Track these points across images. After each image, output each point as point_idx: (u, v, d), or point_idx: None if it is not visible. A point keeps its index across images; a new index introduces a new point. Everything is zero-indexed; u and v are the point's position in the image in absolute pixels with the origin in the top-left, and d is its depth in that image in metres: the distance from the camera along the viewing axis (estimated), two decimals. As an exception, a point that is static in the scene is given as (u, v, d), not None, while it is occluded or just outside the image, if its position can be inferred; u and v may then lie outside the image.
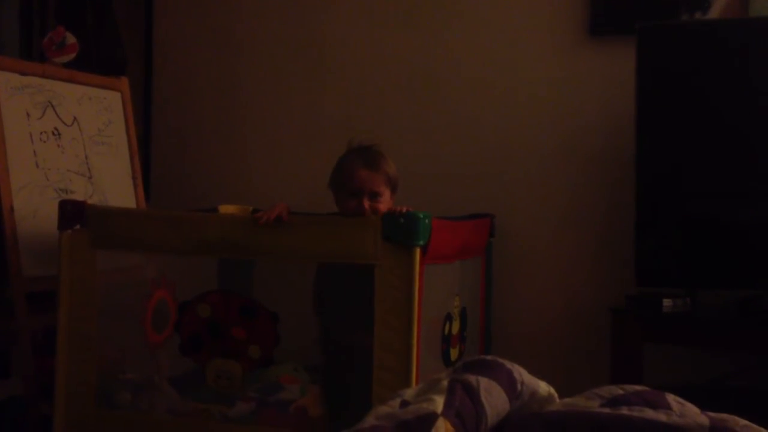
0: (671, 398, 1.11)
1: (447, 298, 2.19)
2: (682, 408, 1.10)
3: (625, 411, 1.05)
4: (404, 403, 1.06)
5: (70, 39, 2.54)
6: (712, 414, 1.13)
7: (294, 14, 3.01)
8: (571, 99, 2.67)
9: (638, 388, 1.13)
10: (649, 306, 2.20)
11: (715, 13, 2.50)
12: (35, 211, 2.34)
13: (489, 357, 1.12)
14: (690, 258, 2.26)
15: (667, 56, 2.30)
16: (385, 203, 2.09)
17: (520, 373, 1.10)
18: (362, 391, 1.89)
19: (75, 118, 2.55)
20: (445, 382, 1.04)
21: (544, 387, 1.13)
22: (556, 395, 1.15)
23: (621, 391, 1.11)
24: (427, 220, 1.89)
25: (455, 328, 2.22)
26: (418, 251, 1.88)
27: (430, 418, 0.95)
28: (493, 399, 1.02)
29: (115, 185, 2.65)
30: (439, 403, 0.98)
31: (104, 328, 2.16)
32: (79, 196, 2.44)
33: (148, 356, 2.33)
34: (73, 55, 2.55)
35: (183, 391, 2.24)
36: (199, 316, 2.15)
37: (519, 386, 1.08)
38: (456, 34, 2.81)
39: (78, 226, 2.13)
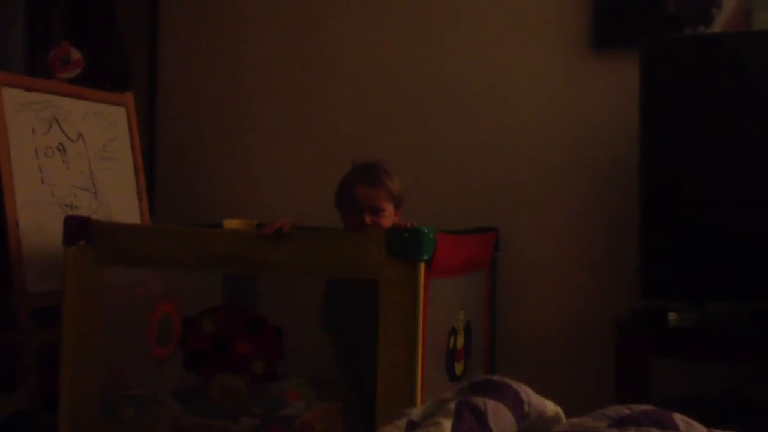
0: (678, 418, 1.11)
1: (452, 312, 2.19)
2: (689, 428, 1.09)
3: (632, 431, 1.05)
4: (411, 424, 1.06)
5: (75, 54, 2.55)
6: (720, 433, 1.13)
7: (299, 28, 3.02)
8: (574, 112, 2.67)
9: (645, 407, 1.12)
10: (655, 320, 2.19)
11: (718, 26, 2.50)
12: (40, 226, 2.35)
13: (496, 377, 1.12)
14: (695, 270, 2.26)
15: (671, 69, 2.30)
16: (387, 219, 2.09)
17: (527, 393, 1.10)
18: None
19: (80, 134, 2.56)
20: (452, 405, 1.03)
21: (551, 407, 1.13)
22: (563, 415, 1.15)
23: (628, 411, 1.11)
24: (431, 235, 1.89)
25: (460, 342, 2.21)
26: (422, 266, 1.88)
27: (438, 442, 0.95)
28: (501, 421, 1.02)
29: (119, 200, 2.66)
30: (446, 426, 0.97)
31: (108, 342, 2.16)
32: (84, 212, 2.44)
33: (153, 371, 2.33)
34: (78, 71, 2.56)
35: (187, 406, 2.24)
36: (204, 331, 2.15)
37: (526, 407, 1.08)
38: (460, 48, 2.81)
39: (83, 242, 2.13)
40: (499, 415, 1.03)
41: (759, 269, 2.18)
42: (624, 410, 1.10)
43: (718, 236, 2.23)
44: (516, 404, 1.07)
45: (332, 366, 2.21)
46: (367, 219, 2.06)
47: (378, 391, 1.88)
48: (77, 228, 2.14)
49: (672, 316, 2.16)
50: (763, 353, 2.10)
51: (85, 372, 2.14)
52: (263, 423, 2.19)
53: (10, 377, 2.56)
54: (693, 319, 2.19)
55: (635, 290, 2.28)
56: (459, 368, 2.21)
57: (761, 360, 2.13)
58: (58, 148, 2.47)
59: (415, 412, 1.08)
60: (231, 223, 2.72)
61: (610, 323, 2.28)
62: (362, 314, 1.99)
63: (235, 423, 2.15)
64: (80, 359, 2.14)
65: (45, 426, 2.28)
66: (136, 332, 2.27)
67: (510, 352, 2.62)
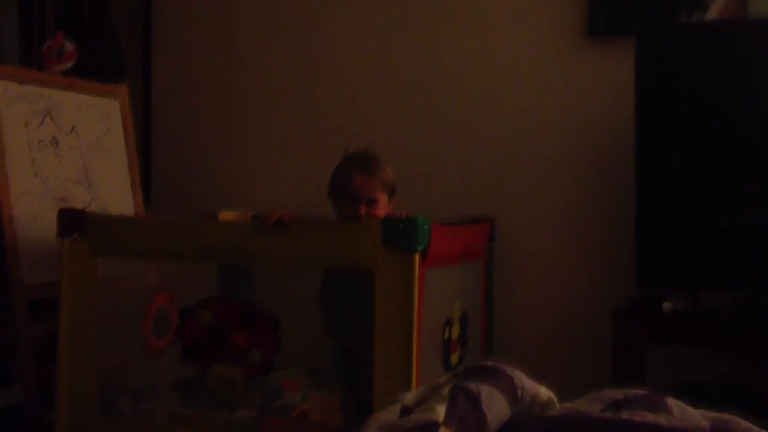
0: (671, 402, 1.11)
1: (447, 302, 2.19)
2: (682, 412, 1.10)
3: (625, 415, 1.05)
4: (404, 409, 1.06)
5: (69, 46, 2.54)
6: (713, 414, 1.13)
7: (293, 20, 3.01)
8: (570, 101, 2.67)
9: (638, 391, 1.13)
10: (650, 307, 2.20)
11: (713, 13, 2.50)
12: (35, 219, 2.35)
13: (490, 363, 1.12)
14: (690, 259, 2.26)
15: (666, 57, 2.30)
16: (382, 209, 2.09)
17: (521, 378, 1.10)
18: None
19: (74, 126, 2.55)
20: (446, 390, 1.03)
21: (544, 392, 1.13)
22: (556, 400, 1.15)
23: (621, 395, 1.11)
24: (426, 225, 1.89)
25: (455, 332, 2.21)
26: (417, 256, 1.88)
27: (432, 427, 0.95)
28: (495, 406, 1.02)
29: (114, 193, 2.65)
30: (440, 411, 0.97)
31: (105, 335, 2.16)
32: (78, 204, 2.44)
33: (150, 363, 2.33)
34: (71, 63, 2.55)
35: (184, 397, 2.24)
36: (200, 323, 2.15)
37: (520, 392, 1.08)
38: (454, 38, 2.81)
39: (77, 234, 2.13)
40: (493, 399, 1.03)
41: (752, 259, 2.19)
42: (617, 394, 1.11)
43: (714, 225, 2.23)
44: (510, 389, 1.07)
45: (329, 356, 2.21)
46: (362, 209, 2.07)
47: (374, 382, 1.88)
48: (71, 220, 2.13)
49: (666, 303, 2.17)
50: (755, 340, 2.11)
51: (82, 364, 2.14)
52: (261, 413, 2.19)
53: (7, 370, 2.56)
54: (687, 307, 2.20)
55: (631, 279, 2.29)
56: (454, 359, 2.21)
57: (753, 346, 2.14)
58: (51, 141, 2.46)
59: (409, 397, 1.09)
60: (226, 215, 2.72)
61: (606, 312, 2.28)
62: (359, 305, 1.99)
63: (233, 413, 2.15)
64: (77, 351, 2.13)
65: (42, 419, 2.28)
66: (132, 324, 2.27)
67: (507, 342, 2.62)
